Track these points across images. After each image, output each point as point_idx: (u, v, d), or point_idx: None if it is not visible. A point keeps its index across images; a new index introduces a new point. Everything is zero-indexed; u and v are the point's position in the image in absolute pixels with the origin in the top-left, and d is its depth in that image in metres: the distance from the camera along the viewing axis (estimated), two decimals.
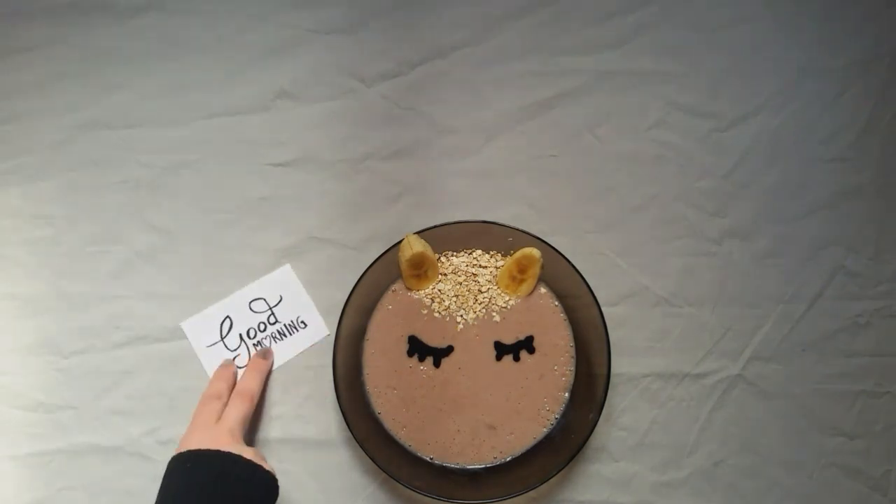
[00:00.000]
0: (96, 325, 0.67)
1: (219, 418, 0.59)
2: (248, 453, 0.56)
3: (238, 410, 0.60)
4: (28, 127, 0.69)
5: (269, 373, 0.66)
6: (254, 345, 0.67)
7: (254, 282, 0.68)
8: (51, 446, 0.65)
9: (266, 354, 0.66)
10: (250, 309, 0.67)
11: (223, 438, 0.57)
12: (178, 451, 0.56)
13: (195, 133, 0.69)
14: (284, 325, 0.67)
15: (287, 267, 0.68)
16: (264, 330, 0.67)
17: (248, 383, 0.63)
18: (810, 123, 0.72)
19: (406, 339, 0.65)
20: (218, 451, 0.55)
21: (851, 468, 0.67)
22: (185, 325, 0.67)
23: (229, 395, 0.62)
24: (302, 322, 0.67)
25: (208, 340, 0.67)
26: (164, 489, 0.55)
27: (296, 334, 0.67)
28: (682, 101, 0.71)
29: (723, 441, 0.66)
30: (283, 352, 0.67)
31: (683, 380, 0.67)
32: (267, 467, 0.56)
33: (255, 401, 0.62)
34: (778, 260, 0.70)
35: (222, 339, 0.67)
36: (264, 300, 0.68)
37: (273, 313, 0.67)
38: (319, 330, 0.67)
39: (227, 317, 0.67)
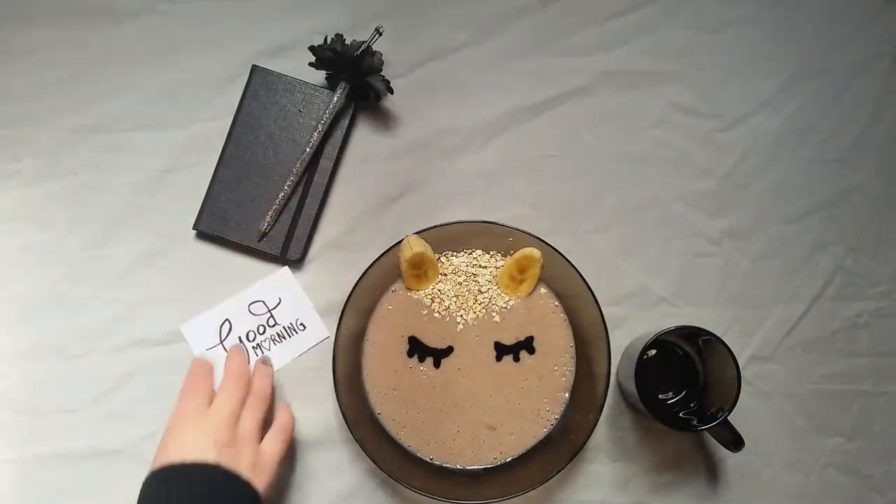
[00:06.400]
0: (96, 329, 0.67)
1: (207, 404, 0.58)
2: (243, 462, 0.56)
3: (254, 418, 0.59)
4: (28, 130, 0.69)
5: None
6: (253, 347, 0.67)
7: (253, 284, 0.68)
8: (50, 450, 0.65)
9: (265, 360, 0.65)
10: (249, 311, 0.67)
11: (218, 436, 0.56)
12: (167, 460, 0.55)
13: (194, 136, 0.69)
14: (284, 327, 0.67)
15: (286, 269, 0.68)
16: (263, 332, 0.67)
17: (262, 385, 0.62)
18: (810, 123, 0.71)
19: (406, 340, 0.65)
20: (212, 468, 0.54)
21: (850, 468, 0.67)
22: (184, 329, 0.67)
23: (212, 380, 0.61)
24: (301, 324, 0.67)
25: (207, 343, 0.67)
26: None
27: (295, 336, 0.67)
28: (682, 101, 0.71)
29: None
30: (283, 354, 0.67)
31: None
32: (249, 478, 0.55)
33: (267, 405, 0.61)
34: (778, 260, 0.70)
35: (221, 342, 0.67)
36: (263, 302, 0.67)
37: (272, 316, 0.67)
38: (319, 332, 0.67)
39: (227, 320, 0.67)
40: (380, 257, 0.64)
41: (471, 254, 0.67)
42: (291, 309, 0.67)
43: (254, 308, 0.67)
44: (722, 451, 0.65)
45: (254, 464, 0.56)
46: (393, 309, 0.66)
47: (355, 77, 0.67)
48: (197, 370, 0.62)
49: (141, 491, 0.54)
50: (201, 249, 0.68)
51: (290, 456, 0.65)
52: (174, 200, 0.68)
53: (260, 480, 0.56)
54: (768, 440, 0.67)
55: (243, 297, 0.67)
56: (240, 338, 0.67)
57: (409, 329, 0.65)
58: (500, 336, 0.65)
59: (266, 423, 0.60)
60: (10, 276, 0.67)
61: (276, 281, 0.68)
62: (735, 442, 0.60)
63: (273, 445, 0.59)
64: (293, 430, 0.62)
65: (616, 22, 0.72)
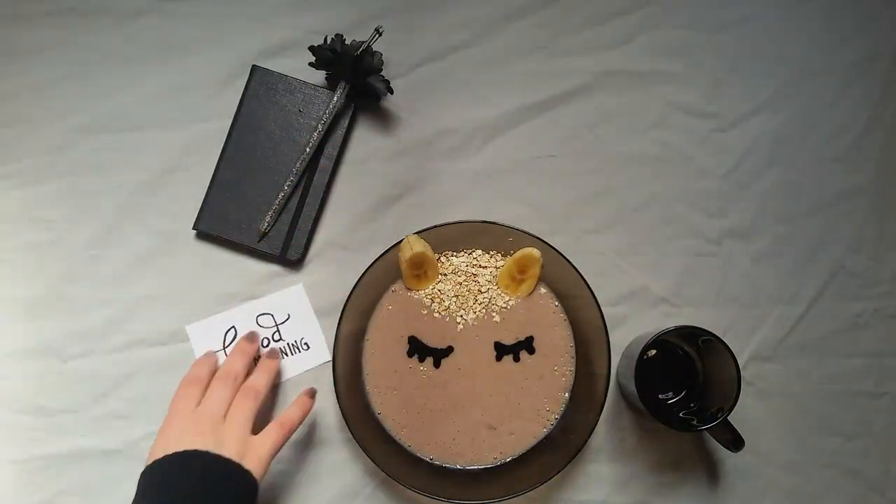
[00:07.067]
0: (96, 329, 0.67)
1: (197, 404, 0.59)
2: (228, 448, 0.56)
3: (243, 409, 0.59)
4: (28, 130, 0.69)
5: (278, 375, 0.65)
6: (254, 359, 0.66)
7: (264, 296, 0.67)
8: (50, 450, 0.65)
9: (273, 354, 0.65)
10: (257, 323, 0.67)
11: (201, 427, 0.56)
12: (153, 458, 0.55)
13: (194, 136, 0.69)
14: (288, 344, 0.67)
15: (300, 287, 0.68)
16: (267, 346, 0.67)
17: (255, 380, 0.62)
18: (810, 123, 0.72)
19: (406, 340, 0.65)
20: (194, 453, 0.54)
21: (850, 468, 0.67)
22: (190, 329, 0.67)
23: (209, 380, 0.61)
24: (305, 344, 0.67)
25: (210, 347, 0.66)
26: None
27: (297, 355, 0.67)
28: (682, 101, 0.71)
29: None
30: (282, 371, 0.67)
31: None
32: (248, 466, 0.55)
33: (261, 399, 0.61)
34: (778, 260, 0.70)
35: (224, 348, 0.67)
36: (272, 316, 0.67)
37: (279, 330, 0.67)
38: (321, 355, 0.67)
39: (233, 327, 0.67)
40: (380, 257, 0.64)
41: (471, 254, 0.67)
42: (298, 327, 0.67)
43: (262, 320, 0.67)
44: (722, 451, 0.65)
45: (241, 452, 0.56)
46: (393, 309, 0.66)
47: (355, 77, 0.67)
48: (195, 370, 0.62)
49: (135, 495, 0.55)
50: (201, 249, 0.68)
51: (290, 456, 0.65)
52: (174, 200, 0.68)
53: (250, 468, 0.56)
54: (768, 440, 0.67)
55: (253, 307, 0.67)
56: None
57: (409, 329, 0.65)
58: (500, 336, 0.65)
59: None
60: (10, 276, 0.67)
61: (288, 297, 0.67)
62: (735, 442, 0.60)
63: (266, 437, 0.58)
64: (296, 425, 0.60)
65: (616, 22, 0.72)
